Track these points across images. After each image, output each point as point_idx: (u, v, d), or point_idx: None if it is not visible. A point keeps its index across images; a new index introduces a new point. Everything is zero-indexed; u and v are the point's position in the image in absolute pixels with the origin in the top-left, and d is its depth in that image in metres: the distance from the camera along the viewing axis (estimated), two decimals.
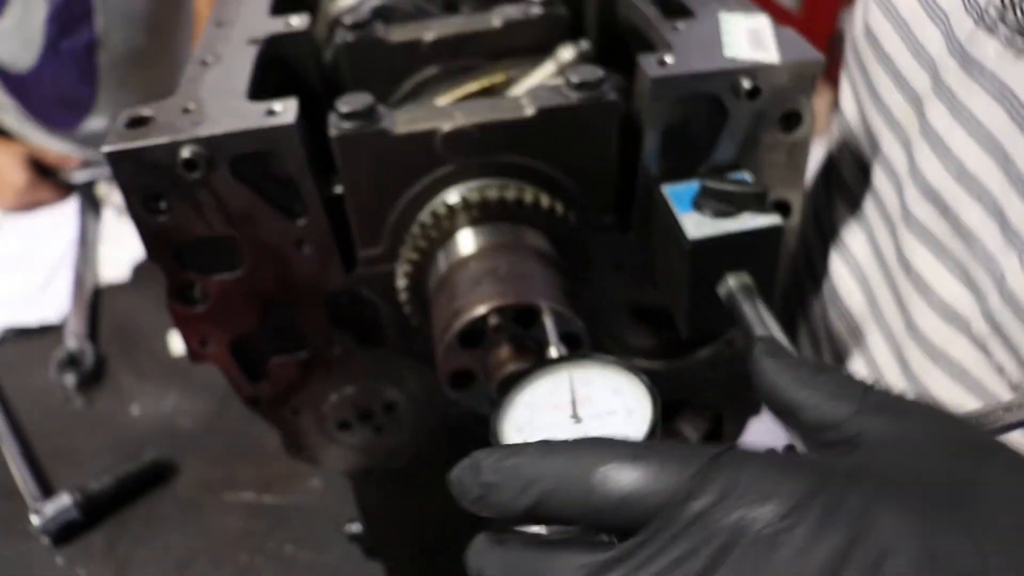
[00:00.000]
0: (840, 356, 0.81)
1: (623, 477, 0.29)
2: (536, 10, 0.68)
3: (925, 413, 0.32)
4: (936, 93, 0.61)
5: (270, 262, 0.59)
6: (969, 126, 0.58)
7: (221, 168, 0.53)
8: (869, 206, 0.75)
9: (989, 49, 0.56)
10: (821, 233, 0.83)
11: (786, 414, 0.35)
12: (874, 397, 0.33)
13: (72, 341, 1.24)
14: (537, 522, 0.32)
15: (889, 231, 0.71)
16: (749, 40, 0.58)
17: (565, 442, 0.32)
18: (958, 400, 0.65)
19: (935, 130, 0.61)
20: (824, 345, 0.84)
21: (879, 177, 0.72)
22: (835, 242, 0.81)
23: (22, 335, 1.29)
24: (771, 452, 0.30)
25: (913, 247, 0.66)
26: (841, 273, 0.80)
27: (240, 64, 0.60)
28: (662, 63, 0.56)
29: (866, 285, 0.76)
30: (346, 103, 0.54)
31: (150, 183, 0.54)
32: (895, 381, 0.72)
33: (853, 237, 0.78)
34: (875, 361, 0.76)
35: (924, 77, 0.63)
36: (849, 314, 0.79)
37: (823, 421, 0.33)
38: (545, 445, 0.32)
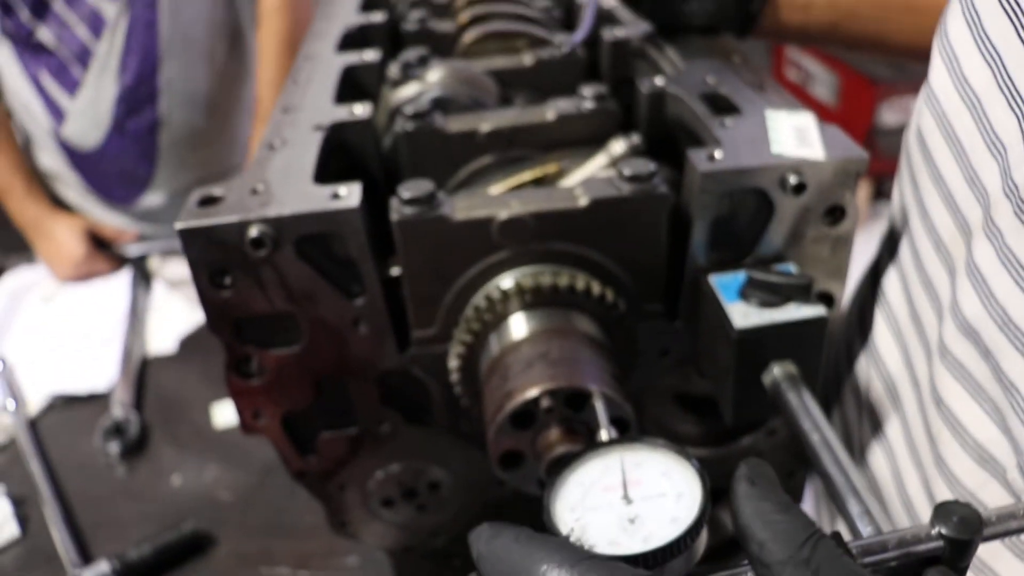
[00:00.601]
0: (869, 462, 0.78)
1: None
2: (589, 104, 0.71)
3: None
4: (986, 231, 0.58)
5: (327, 340, 0.60)
6: (1016, 273, 0.55)
7: (286, 247, 0.56)
8: (908, 326, 0.72)
9: None
10: (863, 333, 0.81)
11: (741, 540, 0.37)
12: (806, 552, 0.35)
13: (118, 410, 1.26)
14: None
15: (926, 358, 0.68)
16: (795, 137, 0.60)
17: (536, 536, 0.37)
18: (987, 548, 0.61)
19: (980, 270, 0.59)
20: (855, 444, 0.81)
21: (921, 299, 0.69)
22: (873, 350, 0.78)
23: (70, 402, 1.31)
24: None
25: (946, 384, 0.63)
26: (876, 385, 0.77)
27: (306, 148, 0.63)
28: (711, 158, 0.58)
29: (899, 405, 0.73)
30: (408, 189, 0.57)
31: (218, 259, 0.56)
32: (923, 510, 0.68)
33: (890, 354, 0.75)
34: (904, 485, 0.72)
35: (977, 210, 0.60)
36: (881, 428, 0.76)
37: (759, 558, 0.36)
38: (520, 535, 0.37)
